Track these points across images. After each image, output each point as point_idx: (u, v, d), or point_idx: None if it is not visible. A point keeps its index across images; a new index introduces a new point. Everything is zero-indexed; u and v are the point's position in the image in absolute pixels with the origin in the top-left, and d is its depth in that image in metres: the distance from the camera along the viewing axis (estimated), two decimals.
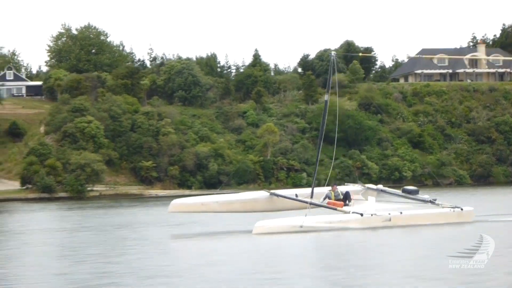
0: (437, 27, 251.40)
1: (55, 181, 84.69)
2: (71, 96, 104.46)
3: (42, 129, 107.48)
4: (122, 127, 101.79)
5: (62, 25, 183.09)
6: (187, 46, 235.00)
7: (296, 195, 38.37)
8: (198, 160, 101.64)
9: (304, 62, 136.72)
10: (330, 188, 38.37)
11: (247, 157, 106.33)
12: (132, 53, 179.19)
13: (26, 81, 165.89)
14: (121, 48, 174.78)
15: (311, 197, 37.96)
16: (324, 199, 37.33)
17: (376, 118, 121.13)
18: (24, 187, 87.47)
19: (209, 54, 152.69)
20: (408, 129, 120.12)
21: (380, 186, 40.36)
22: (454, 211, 37.19)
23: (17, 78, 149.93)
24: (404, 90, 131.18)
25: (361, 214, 35.08)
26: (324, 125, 41.74)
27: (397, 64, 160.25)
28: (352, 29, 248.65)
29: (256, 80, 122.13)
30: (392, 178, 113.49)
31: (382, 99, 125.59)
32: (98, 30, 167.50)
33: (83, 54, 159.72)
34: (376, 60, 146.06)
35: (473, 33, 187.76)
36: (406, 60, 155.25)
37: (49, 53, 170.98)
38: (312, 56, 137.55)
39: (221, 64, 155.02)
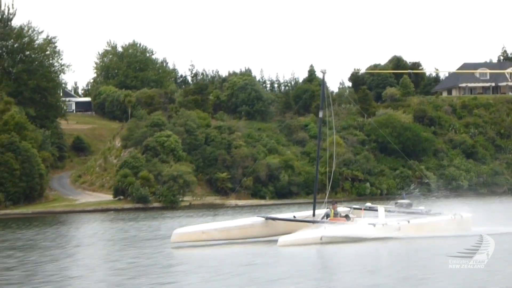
0: (469, 41, 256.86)
1: (149, 192, 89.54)
2: (147, 112, 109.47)
3: (117, 143, 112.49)
4: (197, 141, 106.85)
5: (107, 42, 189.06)
6: (224, 61, 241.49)
7: (294, 217, 38.66)
8: (270, 172, 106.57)
9: (355, 77, 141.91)
10: (330, 206, 38.47)
11: (313, 169, 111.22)
12: (175, 69, 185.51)
13: (75, 97, 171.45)
14: (164, 64, 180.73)
15: (313, 215, 38.63)
16: (323, 217, 37.83)
17: (430, 130, 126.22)
18: (116, 198, 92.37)
19: (244, 69, 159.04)
20: (461, 140, 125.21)
21: (369, 204, 40.68)
22: (455, 218, 38.01)
23: (65, 94, 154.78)
24: (453, 103, 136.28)
25: (374, 225, 35.86)
26: (320, 141, 42.84)
27: (437, 78, 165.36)
28: (400, 44, 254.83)
29: (313, 94, 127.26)
30: (449, 187, 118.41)
31: (433, 111, 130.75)
32: (144, 47, 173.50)
33: (130, 71, 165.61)
34: (424, 75, 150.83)
35: (503, 47, 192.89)
36: (446, 74, 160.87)
37: (96, 70, 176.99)
38: (362, 71, 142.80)
39: (257, 79, 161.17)
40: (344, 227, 36.01)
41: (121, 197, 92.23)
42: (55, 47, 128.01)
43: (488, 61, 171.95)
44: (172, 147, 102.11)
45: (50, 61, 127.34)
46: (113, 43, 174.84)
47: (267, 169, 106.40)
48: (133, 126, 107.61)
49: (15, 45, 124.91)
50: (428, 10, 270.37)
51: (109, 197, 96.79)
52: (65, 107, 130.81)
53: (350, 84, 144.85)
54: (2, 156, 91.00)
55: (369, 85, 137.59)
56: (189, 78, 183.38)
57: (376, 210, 37.96)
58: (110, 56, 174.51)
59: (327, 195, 43.07)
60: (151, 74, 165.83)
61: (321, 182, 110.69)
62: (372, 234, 35.39)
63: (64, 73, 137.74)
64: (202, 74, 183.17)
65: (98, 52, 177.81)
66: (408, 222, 36.81)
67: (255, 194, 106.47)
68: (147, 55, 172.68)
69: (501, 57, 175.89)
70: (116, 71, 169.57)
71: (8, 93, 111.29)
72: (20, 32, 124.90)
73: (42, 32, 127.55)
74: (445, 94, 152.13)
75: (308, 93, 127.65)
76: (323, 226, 35.98)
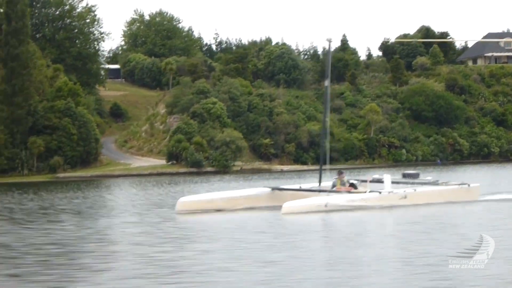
0: (491, 11, 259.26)
1: (203, 157, 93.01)
2: (192, 80, 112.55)
3: (161, 109, 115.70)
4: (240, 108, 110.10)
5: (134, 11, 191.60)
6: (245, 30, 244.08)
7: (300, 187, 39.15)
8: (311, 138, 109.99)
9: (385, 47, 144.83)
10: (336, 176, 38.67)
11: (351, 135, 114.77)
12: (201, 37, 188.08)
13: (104, 64, 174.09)
14: (190, 33, 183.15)
15: (319, 184, 38.85)
16: (332, 187, 37.95)
17: (461, 98, 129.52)
18: (170, 163, 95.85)
19: (265, 38, 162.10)
20: (491, 108, 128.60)
21: (376, 176, 40.23)
22: (461, 187, 38.47)
23: None
24: (481, 72, 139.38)
25: (379, 192, 35.96)
26: (328, 109, 42.47)
27: (464, 47, 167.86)
28: (428, 14, 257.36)
29: (347, 63, 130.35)
30: (481, 153, 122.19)
31: (463, 80, 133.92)
32: (171, 16, 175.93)
33: (158, 39, 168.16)
34: (454, 44, 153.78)
35: None
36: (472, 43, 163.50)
37: (124, 38, 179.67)
38: (392, 40, 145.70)
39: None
40: (349, 195, 35.96)
41: (174, 161, 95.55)
42: (95, 15, 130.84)
43: (505, 31, 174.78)
44: (218, 114, 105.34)
45: (90, 29, 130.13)
46: (140, 12, 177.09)
47: (308, 135, 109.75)
48: (179, 93, 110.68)
49: (56, 13, 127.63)
50: None
51: (159, 161, 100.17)
52: (104, 74, 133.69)
53: (380, 53, 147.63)
54: (60, 121, 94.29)
55: (400, 55, 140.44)
56: (214, 47, 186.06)
57: (383, 182, 37.53)
58: (138, 24, 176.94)
59: (327, 164, 41.10)
60: (178, 43, 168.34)
61: (359, 148, 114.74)
62: (378, 202, 35.36)
63: (103, 41, 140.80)
64: (226, 42, 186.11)
65: (126, 20, 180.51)
66: (415, 190, 37.05)
67: (297, 160, 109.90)
68: (174, 23, 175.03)
69: None
70: (143, 39, 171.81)
71: (51, 60, 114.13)
72: (61, 0, 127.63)
73: (82, 0, 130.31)
74: (470, 63, 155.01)
75: (341, 62, 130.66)
76: (329, 194, 36.00)
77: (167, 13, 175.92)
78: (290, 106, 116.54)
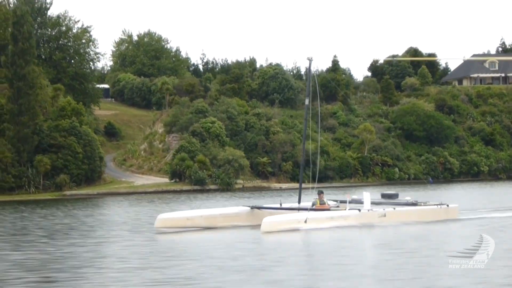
0: (470, 34, 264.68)
1: (206, 175, 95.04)
2: (189, 99, 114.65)
3: (158, 128, 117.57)
4: (238, 127, 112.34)
5: (123, 31, 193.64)
6: (230, 51, 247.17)
7: (280, 205, 39.64)
8: (307, 157, 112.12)
9: (374, 67, 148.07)
10: (316, 197, 39.32)
11: (346, 154, 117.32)
12: (188, 57, 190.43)
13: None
14: (178, 53, 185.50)
15: (298, 203, 39.79)
16: (312, 206, 38.54)
17: (450, 118, 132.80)
18: (172, 181, 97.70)
19: (249, 58, 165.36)
20: (480, 128, 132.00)
21: (355, 197, 40.54)
22: (441, 208, 39.42)
23: None
24: (468, 93, 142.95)
25: (359, 210, 36.45)
26: (306, 128, 44.24)
27: (445, 69, 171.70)
28: (416, 36, 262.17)
29: (339, 83, 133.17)
30: (471, 172, 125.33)
31: (451, 101, 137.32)
32: (159, 36, 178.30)
33: (147, 59, 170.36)
34: (440, 65, 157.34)
35: (501, 39, 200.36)
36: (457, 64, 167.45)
37: (113, 58, 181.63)
38: (380, 61, 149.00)
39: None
40: (329, 212, 36.41)
41: (177, 179, 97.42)
42: (90, 35, 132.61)
43: (486, 52, 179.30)
44: (217, 133, 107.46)
45: (86, 50, 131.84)
46: (129, 32, 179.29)
47: (305, 154, 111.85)
48: (177, 112, 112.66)
49: (53, 34, 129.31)
50: (440, 3, 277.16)
51: (162, 179, 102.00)
52: (99, 94, 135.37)
53: (369, 74, 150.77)
54: (65, 140, 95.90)
55: (389, 75, 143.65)
56: (201, 67, 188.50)
57: (362, 203, 37.86)
58: (126, 44, 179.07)
59: (316, 183, 42.43)
60: (166, 62, 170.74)
61: (354, 167, 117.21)
62: (357, 220, 35.58)
63: (99, 61, 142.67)
64: (212, 63, 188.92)
65: (114, 40, 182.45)
66: (394, 209, 37.72)
67: (293, 178, 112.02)
68: (162, 44, 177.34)
69: (500, 49, 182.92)
70: (132, 59, 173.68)
71: (49, 80, 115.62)
72: (57, 21, 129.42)
73: (78, 21, 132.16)
74: (455, 83, 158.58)
75: (333, 83, 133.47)
76: (308, 212, 36.15)
77: (155, 34, 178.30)
78: (285, 126, 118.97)
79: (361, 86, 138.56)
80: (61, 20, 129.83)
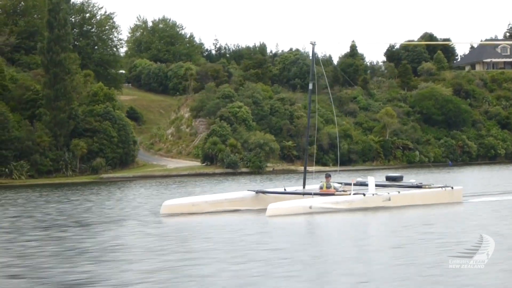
0: (479, 18, 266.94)
1: (238, 158, 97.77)
2: (215, 85, 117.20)
3: (184, 113, 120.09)
4: (263, 112, 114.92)
5: (137, 17, 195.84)
6: (241, 36, 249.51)
7: (285, 189, 39.62)
8: (331, 140, 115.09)
9: (391, 53, 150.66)
10: (324, 180, 38.85)
11: (368, 138, 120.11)
12: (202, 43, 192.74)
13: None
14: (192, 39, 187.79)
15: (303, 187, 39.22)
16: (320, 188, 38.35)
17: (466, 102, 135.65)
18: (204, 164, 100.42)
19: (260, 43, 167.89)
20: (496, 112, 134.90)
21: (359, 179, 40.86)
22: (445, 190, 39.06)
23: None
24: (483, 78, 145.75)
25: (364, 194, 36.07)
26: (310, 113, 44.39)
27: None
28: (431, 21, 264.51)
29: (357, 68, 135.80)
30: (488, 155, 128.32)
31: (467, 85, 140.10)
32: (173, 22, 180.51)
33: (162, 45, 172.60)
34: (455, 50, 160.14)
35: (509, 24, 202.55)
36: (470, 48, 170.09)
37: (128, 44, 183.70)
38: (397, 46, 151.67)
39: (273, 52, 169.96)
40: (333, 197, 36.10)
41: (209, 163, 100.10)
42: (113, 22, 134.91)
43: (494, 37, 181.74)
44: (244, 117, 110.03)
45: (109, 36, 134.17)
46: (144, 18, 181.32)
47: (328, 138, 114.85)
48: (204, 97, 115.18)
49: (77, 20, 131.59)
50: None
51: (191, 163, 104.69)
52: (122, 80, 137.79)
53: (385, 59, 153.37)
54: (100, 125, 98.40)
55: (406, 61, 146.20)
56: (213, 52, 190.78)
57: (366, 185, 37.75)
58: (141, 30, 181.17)
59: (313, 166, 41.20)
60: (181, 48, 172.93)
61: (376, 150, 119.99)
62: (362, 204, 35.53)
63: (122, 47, 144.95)
64: (225, 48, 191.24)
65: (130, 27, 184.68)
66: (399, 192, 37.39)
67: (317, 161, 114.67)
68: (177, 30, 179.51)
69: (507, 34, 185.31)
70: (148, 45, 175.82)
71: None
72: (81, 8, 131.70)
73: (101, 7, 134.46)
74: (467, 68, 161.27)
75: (352, 67, 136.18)
76: (313, 196, 36.14)
77: (169, 20, 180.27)
78: (307, 110, 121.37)
79: (379, 71, 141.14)
80: (84, 6, 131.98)
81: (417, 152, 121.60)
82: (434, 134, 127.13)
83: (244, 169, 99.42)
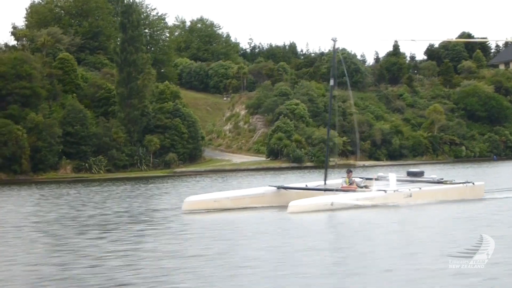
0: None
1: (304, 153, 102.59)
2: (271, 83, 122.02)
3: (239, 110, 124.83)
4: (318, 108, 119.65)
5: (175, 17, 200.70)
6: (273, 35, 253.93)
7: (306, 185, 38.91)
8: (383, 136, 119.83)
9: (430, 51, 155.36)
10: (345, 175, 38.81)
11: (417, 134, 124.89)
12: (238, 42, 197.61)
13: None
14: (228, 38, 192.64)
15: (324, 183, 38.81)
16: (342, 185, 38.07)
17: (507, 99, 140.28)
18: (269, 158, 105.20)
19: (290, 43, 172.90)
20: None
21: (381, 174, 40.31)
22: (467, 186, 38.38)
23: None
24: None
25: (385, 191, 35.80)
26: (331, 109, 43.11)
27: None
28: (469, 20, 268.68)
29: (401, 67, 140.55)
30: None
31: (507, 82, 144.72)
32: (211, 22, 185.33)
33: (202, 44, 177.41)
34: (491, 49, 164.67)
35: None
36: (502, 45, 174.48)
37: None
38: (436, 45, 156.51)
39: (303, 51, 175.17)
40: (355, 194, 35.92)
41: (273, 157, 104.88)
42: (165, 23, 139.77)
43: None
44: (301, 114, 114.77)
45: (162, 36, 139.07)
46: (182, 18, 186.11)
47: (381, 133, 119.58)
48: (261, 95, 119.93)
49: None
50: None
51: (255, 157, 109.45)
52: (175, 79, 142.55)
53: (425, 57, 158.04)
54: (171, 121, 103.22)
55: (443, 59, 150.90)
56: (248, 51, 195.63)
57: (387, 180, 37.60)
58: (179, 30, 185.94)
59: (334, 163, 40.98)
60: (219, 48, 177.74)
61: (425, 145, 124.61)
62: (383, 201, 35.30)
63: (174, 47, 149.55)
64: (259, 47, 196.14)
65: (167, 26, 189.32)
66: (420, 189, 36.97)
67: (370, 156, 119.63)
68: (214, 29, 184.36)
69: None
70: (187, 44, 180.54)
71: None
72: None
73: (154, 9, 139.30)
74: (501, 67, 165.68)
75: (396, 66, 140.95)
76: (334, 193, 36.01)
77: (207, 20, 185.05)
78: (357, 107, 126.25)
79: (420, 69, 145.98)
80: (138, 8, 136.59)
81: (463, 147, 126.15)
82: (478, 129, 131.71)
83: (308, 163, 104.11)
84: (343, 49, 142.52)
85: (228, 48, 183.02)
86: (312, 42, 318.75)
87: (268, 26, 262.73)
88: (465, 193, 37.90)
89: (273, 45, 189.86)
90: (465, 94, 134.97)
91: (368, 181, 39.30)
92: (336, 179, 40.04)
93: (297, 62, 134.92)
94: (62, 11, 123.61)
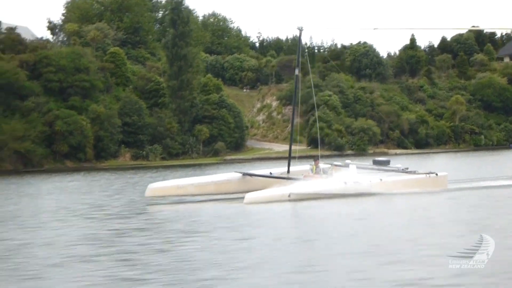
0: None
1: (345, 142, 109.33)
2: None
3: (270, 101, 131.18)
4: (348, 100, 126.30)
5: None
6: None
7: (270, 173, 37.80)
8: (409, 126, 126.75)
9: (443, 45, 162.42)
10: (313, 163, 38.17)
11: (440, 123, 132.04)
12: (248, 36, 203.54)
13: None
14: (239, 32, 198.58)
15: (288, 172, 37.81)
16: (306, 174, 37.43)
17: None
18: (309, 147, 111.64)
19: (292, 36, 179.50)
20: None
21: (348, 161, 39.38)
22: (429, 176, 37.65)
23: None
24: None
25: (345, 182, 35.32)
26: (296, 99, 42.77)
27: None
28: (479, 15, 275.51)
29: (419, 59, 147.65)
30: None
31: None
32: (223, 17, 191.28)
33: (215, 38, 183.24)
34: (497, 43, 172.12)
35: None
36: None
37: None
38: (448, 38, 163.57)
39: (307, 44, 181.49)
40: (313, 184, 35.41)
41: (313, 146, 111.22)
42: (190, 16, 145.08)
43: None
44: (334, 105, 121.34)
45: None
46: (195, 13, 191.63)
47: (408, 123, 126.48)
48: (292, 87, 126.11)
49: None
50: None
51: (296, 146, 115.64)
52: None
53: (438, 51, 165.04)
54: (218, 112, 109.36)
55: (456, 52, 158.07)
56: (257, 45, 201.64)
57: (359, 168, 37.47)
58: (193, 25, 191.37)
59: (294, 150, 40.01)
60: (232, 41, 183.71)
61: (447, 134, 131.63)
62: (342, 191, 34.81)
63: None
64: (267, 41, 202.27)
65: None
66: (381, 180, 36.26)
67: (398, 145, 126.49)
68: (227, 24, 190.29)
69: None
70: (201, 38, 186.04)
71: None
72: (166, 5, 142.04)
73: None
74: (507, 59, 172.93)
75: (414, 59, 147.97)
76: (293, 183, 35.42)
77: (219, 14, 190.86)
78: (383, 98, 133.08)
79: (436, 62, 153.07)
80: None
81: (482, 136, 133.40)
82: (494, 119, 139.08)
83: (349, 152, 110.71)
84: (365, 43, 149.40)
85: (240, 41, 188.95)
86: (315, 36, 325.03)
87: (274, 18, 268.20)
88: (427, 184, 36.96)
89: (280, 38, 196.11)
90: (481, 86, 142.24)
91: (336, 167, 38.24)
92: (304, 166, 38.72)
93: (322, 55, 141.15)
94: (102, 7, 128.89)
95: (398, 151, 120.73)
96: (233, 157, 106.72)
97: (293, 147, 39.97)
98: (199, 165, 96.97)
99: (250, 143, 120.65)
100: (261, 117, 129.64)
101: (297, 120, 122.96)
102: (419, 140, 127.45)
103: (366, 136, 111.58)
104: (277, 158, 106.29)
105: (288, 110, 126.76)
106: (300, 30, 39.18)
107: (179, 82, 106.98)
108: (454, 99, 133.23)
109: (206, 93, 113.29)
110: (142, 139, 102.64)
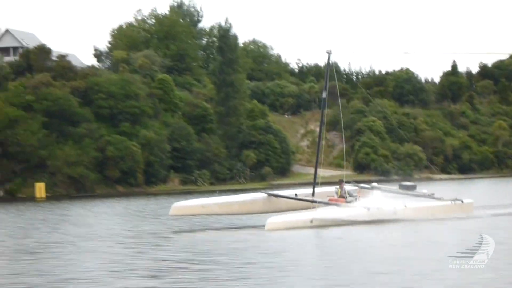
0: None
1: (391, 167, 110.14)
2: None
3: (313, 127, 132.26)
4: (391, 125, 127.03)
5: None
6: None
7: (296, 195, 37.66)
8: (453, 151, 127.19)
9: (484, 70, 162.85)
10: (337, 186, 37.89)
11: (484, 149, 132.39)
12: (288, 63, 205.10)
13: None
14: (279, 58, 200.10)
15: (312, 195, 37.26)
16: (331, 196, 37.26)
17: None
18: (355, 172, 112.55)
19: (332, 62, 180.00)
20: None
21: (375, 184, 39.44)
22: (455, 203, 37.32)
23: None
24: None
25: (368, 209, 34.92)
26: (324, 123, 43.04)
27: None
28: None
29: (461, 85, 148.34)
30: None
31: None
32: (263, 44, 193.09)
33: (256, 65, 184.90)
34: None
35: None
36: None
37: None
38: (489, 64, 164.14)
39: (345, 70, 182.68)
40: (336, 210, 35.19)
41: (359, 171, 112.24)
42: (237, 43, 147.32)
43: None
44: (378, 130, 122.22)
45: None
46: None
47: (451, 149, 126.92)
48: (337, 113, 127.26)
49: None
50: None
51: (338, 171, 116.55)
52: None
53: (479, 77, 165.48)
54: (265, 137, 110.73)
55: (497, 78, 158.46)
56: (296, 71, 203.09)
57: (382, 190, 37.53)
58: None
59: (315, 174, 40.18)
60: (272, 68, 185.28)
61: (491, 160, 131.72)
62: (365, 218, 34.55)
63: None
64: (306, 67, 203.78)
65: None
66: (405, 206, 35.99)
67: (442, 170, 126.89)
68: (267, 50, 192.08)
69: None
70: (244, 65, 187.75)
71: None
72: (210, 32, 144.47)
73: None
74: None
75: (456, 85, 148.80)
76: (315, 209, 35.08)
77: (260, 42, 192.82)
78: (426, 124, 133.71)
79: (477, 88, 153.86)
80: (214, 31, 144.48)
81: None
82: None
83: (395, 177, 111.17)
84: (407, 69, 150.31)
85: (280, 68, 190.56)
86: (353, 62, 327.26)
87: (311, 44, 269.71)
88: (453, 210, 36.92)
89: (319, 65, 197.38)
90: None
91: (363, 190, 38.23)
92: (329, 187, 38.81)
93: (365, 81, 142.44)
94: (149, 35, 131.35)
95: (443, 176, 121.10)
96: (279, 182, 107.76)
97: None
98: (246, 189, 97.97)
99: (295, 168, 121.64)
100: (305, 143, 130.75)
101: (340, 145, 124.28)
102: (462, 165, 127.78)
103: (412, 162, 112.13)
104: (323, 182, 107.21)
105: (333, 135, 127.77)
106: (329, 53, 40.47)
107: (226, 108, 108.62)
108: (497, 125, 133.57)
109: (252, 119, 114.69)
110: (190, 164, 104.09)
